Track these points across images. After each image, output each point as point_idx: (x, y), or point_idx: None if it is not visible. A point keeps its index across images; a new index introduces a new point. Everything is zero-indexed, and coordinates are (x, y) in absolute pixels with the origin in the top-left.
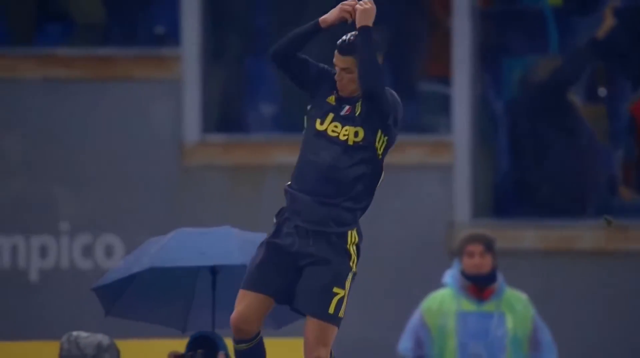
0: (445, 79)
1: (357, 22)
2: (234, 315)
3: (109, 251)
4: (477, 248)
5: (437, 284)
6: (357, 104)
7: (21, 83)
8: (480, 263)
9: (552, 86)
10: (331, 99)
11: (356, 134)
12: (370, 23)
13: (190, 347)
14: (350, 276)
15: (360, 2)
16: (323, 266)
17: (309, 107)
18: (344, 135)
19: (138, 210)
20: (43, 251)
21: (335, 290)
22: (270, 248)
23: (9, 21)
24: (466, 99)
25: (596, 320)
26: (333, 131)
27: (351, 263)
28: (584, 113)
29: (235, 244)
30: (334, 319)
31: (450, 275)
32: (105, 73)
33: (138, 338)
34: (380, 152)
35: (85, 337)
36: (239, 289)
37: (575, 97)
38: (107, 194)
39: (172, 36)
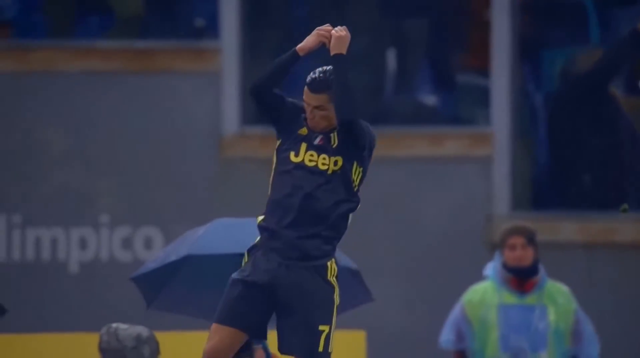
0: (484, 71)
1: (331, 49)
2: (207, 348)
3: (148, 243)
4: (518, 240)
5: (476, 277)
6: (331, 135)
7: (60, 76)
8: (522, 255)
9: (592, 78)
10: (303, 131)
11: (335, 163)
12: (344, 51)
13: None
14: (334, 309)
15: (336, 28)
16: (306, 303)
17: (279, 142)
18: (323, 164)
19: (177, 202)
20: (83, 243)
21: (322, 327)
22: (246, 284)
23: (49, 14)
24: (505, 92)
25: (637, 312)
26: (310, 160)
27: (335, 296)
28: (625, 105)
29: None
30: (324, 356)
31: (491, 268)
32: (145, 66)
33: (177, 330)
34: (356, 184)
35: (125, 328)
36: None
37: (616, 89)
38: (146, 187)
39: (211, 29)
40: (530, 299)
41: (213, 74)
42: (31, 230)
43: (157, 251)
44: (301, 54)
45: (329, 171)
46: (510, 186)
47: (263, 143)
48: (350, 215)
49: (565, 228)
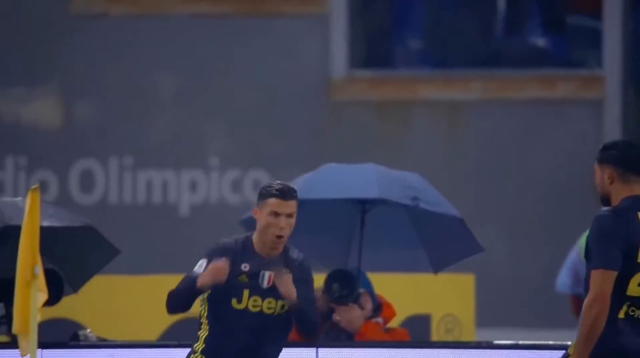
0: (596, 13)
1: (285, 298)
2: None
3: (257, 186)
4: None
5: (587, 220)
6: (284, 273)
7: (170, 20)
8: None
9: None
10: (242, 278)
11: (282, 306)
12: (294, 296)
13: (327, 281)
14: None
15: (281, 276)
16: None
17: (206, 295)
18: (269, 308)
19: (286, 145)
20: (193, 186)
21: None
22: None
23: None
24: (617, 34)
25: None
26: (254, 306)
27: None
28: None
29: (375, 179)
30: None
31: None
32: (254, 9)
33: None
34: None
35: None
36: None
37: None
38: (255, 130)
39: None
40: None
41: (321, 18)
42: (142, 173)
43: None
44: (199, 287)
45: (275, 314)
46: (621, 129)
47: (372, 86)
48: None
49: None
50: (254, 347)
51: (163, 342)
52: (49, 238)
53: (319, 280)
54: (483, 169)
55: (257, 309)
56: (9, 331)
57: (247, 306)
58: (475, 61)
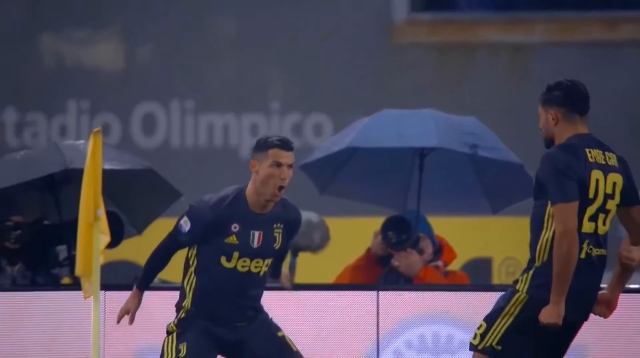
0: None
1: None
2: None
3: (317, 130)
4: None
5: None
6: (276, 234)
7: None
8: None
9: None
10: (232, 240)
11: (267, 264)
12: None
13: (383, 228)
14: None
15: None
16: (258, 329)
17: (195, 247)
18: (256, 268)
19: (346, 89)
20: (254, 130)
21: (280, 333)
22: (206, 332)
23: None
24: None
25: None
26: (242, 266)
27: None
28: None
29: (434, 127)
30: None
31: None
32: None
33: (347, 216)
34: None
35: None
36: (446, 171)
37: None
38: (316, 74)
39: None
40: None
41: None
42: (204, 116)
43: (327, 138)
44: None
45: (261, 274)
46: None
47: (432, 29)
48: None
49: None
50: (238, 299)
51: None
52: (110, 181)
53: (377, 224)
54: None
55: (245, 269)
56: (72, 273)
57: (235, 266)
58: (538, 3)
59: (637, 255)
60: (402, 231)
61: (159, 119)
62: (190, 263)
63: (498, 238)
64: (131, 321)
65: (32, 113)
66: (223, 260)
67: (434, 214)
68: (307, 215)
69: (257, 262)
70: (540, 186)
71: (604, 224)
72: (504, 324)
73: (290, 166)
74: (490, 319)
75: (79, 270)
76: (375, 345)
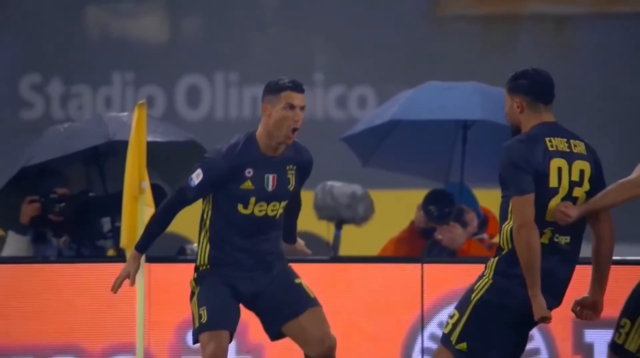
0: None
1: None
2: (211, 353)
3: (362, 103)
4: None
5: None
6: (289, 176)
7: None
8: None
9: None
10: (247, 185)
11: (283, 206)
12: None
13: (425, 202)
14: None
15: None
16: (274, 278)
17: (211, 196)
18: (272, 211)
19: (390, 61)
20: None
21: (297, 280)
22: (225, 285)
23: None
24: None
25: None
26: (260, 211)
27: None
28: None
29: (478, 100)
30: (317, 301)
31: None
32: None
33: (391, 188)
34: None
35: (340, 186)
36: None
37: None
38: (360, 46)
39: None
40: None
41: None
42: (248, 88)
43: (371, 110)
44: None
45: (277, 216)
46: None
47: (477, 0)
48: None
49: None
50: (256, 245)
51: None
52: (154, 153)
53: (420, 197)
54: (590, 85)
55: (262, 214)
56: (116, 245)
57: (252, 211)
58: None
59: (573, 212)
60: (443, 205)
61: (203, 91)
62: (205, 216)
63: None
64: (132, 283)
65: (77, 85)
66: (240, 207)
67: (479, 186)
68: (351, 188)
69: (274, 205)
70: (501, 179)
71: None
72: (469, 309)
73: (302, 108)
74: (461, 308)
75: (123, 241)
76: (420, 317)
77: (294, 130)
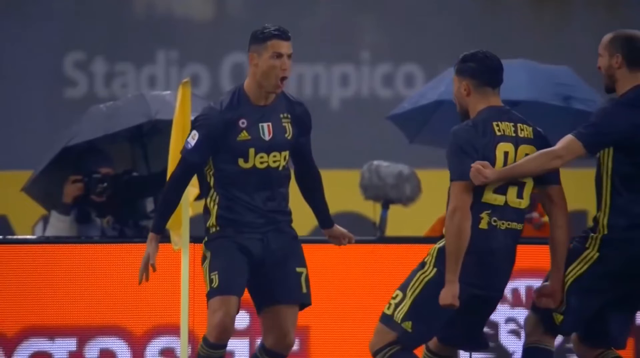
0: None
1: None
2: (219, 321)
3: (409, 81)
4: None
5: None
6: (285, 125)
7: None
8: None
9: None
10: (244, 136)
11: (285, 157)
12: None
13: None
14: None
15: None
16: (282, 260)
17: (210, 162)
18: (275, 162)
19: (438, 38)
20: (344, 80)
21: (299, 269)
22: (235, 248)
23: None
24: None
25: None
26: (261, 163)
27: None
28: None
29: (525, 79)
30: (308, 297)
31: None
32: None
33: (438, 167)
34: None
35: (386, 166)
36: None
37: None
38: (407, 23)
39: None
40: None
41: None
42: (294, 66)
43: (418, 88)
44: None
45: (280, 168)
46: None
47: None
48: None
49: None
50: (263, 202)
51: (313, 237)
52: None
53: None
54: None
55: (264, 165)
56: None
57: (254, 164)
58: None
59: (490, 173)
60: None
61: (248, 69)
62: (209, 179)
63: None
64: (154, 268)
65: (121, 64)
66: (240, 161)
67: None
68: (397, 167)
69: (275, 156)
70: (448, 162)
71: (518, 197)
72: (413, 296)
73: (289, 56)
74: (404, 289)
75: (168, 222)
76: None
77: (283, 79)
